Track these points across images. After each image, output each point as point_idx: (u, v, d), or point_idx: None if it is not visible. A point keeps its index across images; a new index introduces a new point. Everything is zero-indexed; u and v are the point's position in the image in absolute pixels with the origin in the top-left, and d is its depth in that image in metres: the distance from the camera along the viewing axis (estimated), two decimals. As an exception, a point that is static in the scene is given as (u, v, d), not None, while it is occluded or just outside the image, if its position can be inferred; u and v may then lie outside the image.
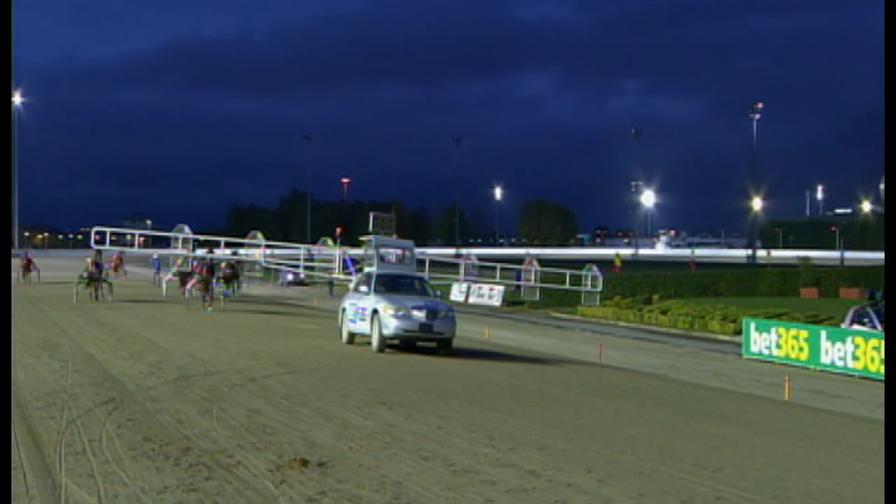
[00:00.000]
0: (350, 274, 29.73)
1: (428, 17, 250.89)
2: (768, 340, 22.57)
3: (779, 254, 73.31)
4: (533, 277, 43.76)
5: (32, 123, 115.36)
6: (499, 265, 44.45)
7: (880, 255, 23.38)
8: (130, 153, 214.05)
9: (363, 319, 19.91)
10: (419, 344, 20.11)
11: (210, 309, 29.07)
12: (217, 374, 14.52)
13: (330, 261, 33.96)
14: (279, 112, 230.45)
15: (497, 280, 43.22)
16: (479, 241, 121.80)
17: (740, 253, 78.18)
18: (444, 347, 19.72)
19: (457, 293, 46.14)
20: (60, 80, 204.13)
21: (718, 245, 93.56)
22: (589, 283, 41.32)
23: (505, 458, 8.90)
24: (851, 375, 19.74)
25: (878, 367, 19.02)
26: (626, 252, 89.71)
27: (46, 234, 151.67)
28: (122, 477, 7.76)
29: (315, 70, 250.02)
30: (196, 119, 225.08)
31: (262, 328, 24.89)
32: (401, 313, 18.96)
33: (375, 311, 19.26)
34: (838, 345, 20.27)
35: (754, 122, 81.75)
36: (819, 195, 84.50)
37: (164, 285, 38.24)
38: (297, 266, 45.01)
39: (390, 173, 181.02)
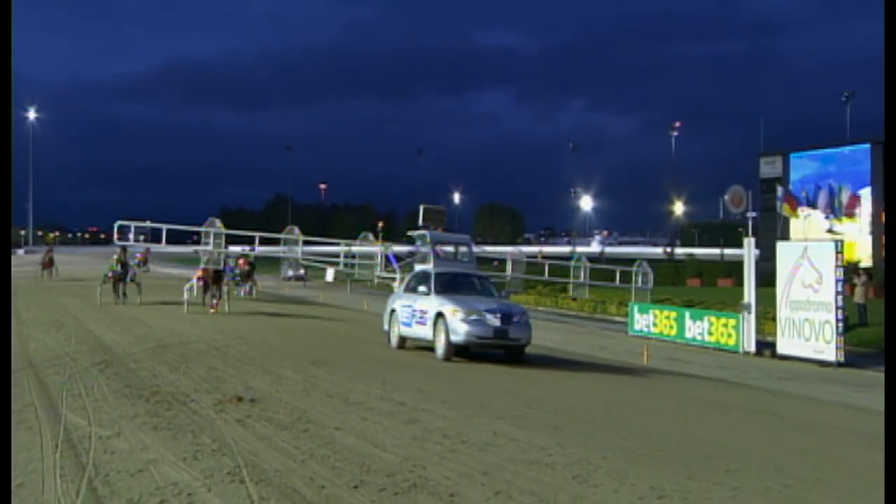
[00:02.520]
0: (394, 271, 25.30)
1: (397, 42, 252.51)
2: (647, 321, 24.48)
3: (687, 251, 75.63)
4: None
5: (44, 135, 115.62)
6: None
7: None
8: (131, 160, 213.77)
9: (421, 323, 15.95)
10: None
11: (212, 311, 23.85)
12: (188, 343, 16.15)
13: (371, 257, 28.42)
14: (264, 124, 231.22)
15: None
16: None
17: (657, 250, 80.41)
18: (515, 355, 15.80)
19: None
20: (69, 96, 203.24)
21: (644, 243, 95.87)
22: (640, 279, 33.91)
23: (387, 395, 10.71)
24: (707, 347, 21.71)
25: (726, 340, 21.15)
26: (565, 249, 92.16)
27: (57, 232, 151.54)
28: (106, 408, 9.51)
29: (296, 88, 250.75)
30: (190, 130, 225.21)
31: (295, 332, 20.10)
32: (472, 317, 15.16)
33: (440, 315, 15.36)
34: (698, 323, 22.35)
35: (673, 138, 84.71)
36: (741, 189, 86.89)
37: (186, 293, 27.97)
38: (336, 262, 36.70)
39: (363, 179, 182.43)
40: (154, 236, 30.07)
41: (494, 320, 15.25)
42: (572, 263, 36.35)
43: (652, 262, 64.25)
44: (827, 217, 28.16)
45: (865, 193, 26.67)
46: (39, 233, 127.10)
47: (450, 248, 22.09)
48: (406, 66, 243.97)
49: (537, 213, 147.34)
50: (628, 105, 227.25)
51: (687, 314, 22.98)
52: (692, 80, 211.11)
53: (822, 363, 18.41)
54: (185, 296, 24.58)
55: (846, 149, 28.29)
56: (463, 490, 6.34)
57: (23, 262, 55.72)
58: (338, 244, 37.79)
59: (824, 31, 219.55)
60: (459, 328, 15.09)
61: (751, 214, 22.42)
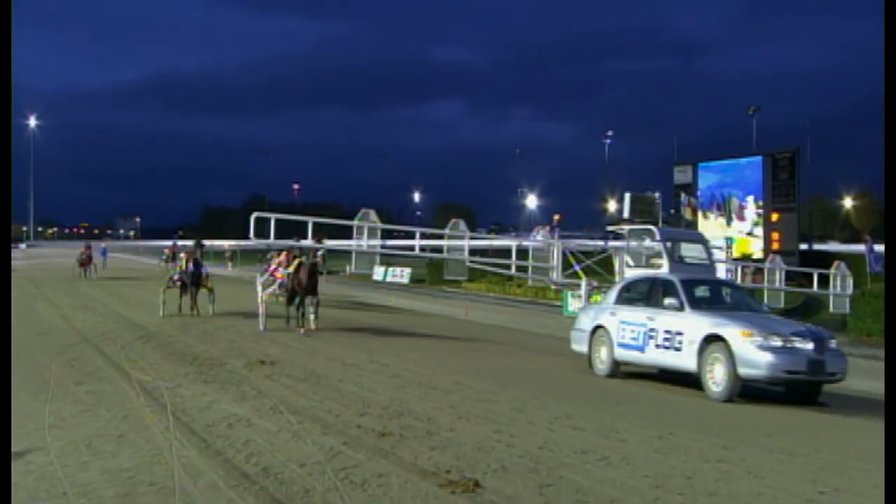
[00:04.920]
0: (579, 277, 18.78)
1: (363, 56, 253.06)
2: (580, 303, 26.56)
3: (618, 244, 78.26)
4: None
5: (41, 140, 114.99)
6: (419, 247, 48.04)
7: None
8: (120, 162, 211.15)
9: (671, 348, 10.91)
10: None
11: (302, 331, 15.85)
12: (207, 321, 17.72)
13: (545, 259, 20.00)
14: (243, 130, 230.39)
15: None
16: (403, 234, 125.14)
17: (596, 243, 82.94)
18: (810, 395, 10.61)
19: (378, 274, 49.47)
20: (62, 104, 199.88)
21: (582, 237, 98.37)
22: None
23: (375, 359, 12.59)
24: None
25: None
26: (511, 243, 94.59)
27: (55, 228, 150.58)
28: (161, 368, 11.29)
29: (271, 97, 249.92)
30: (174, 136, 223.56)
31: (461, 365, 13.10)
32: (775, 343, 9.95)
33: (715, 339, 10.27)
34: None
35: (606, 145, 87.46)
36: (657, 198, 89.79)
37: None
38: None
39: (332, 180, 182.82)
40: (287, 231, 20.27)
41: (806, 347, 10.06)
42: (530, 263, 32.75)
43: (589, 254, 67.02)
44: (729, 221, 30.39)
45: (751, 200, 28.98)
46: (39, 228, 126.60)
47: (697, 248, 17.14)
48: (371, 78, 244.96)
49: (488, 211, 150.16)
50: (568, 114, 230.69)
51: (611, 298, 24.94)
52: (623, 92, 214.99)
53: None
54: (261, 307, 16.59)
55: (743, 160, 30.56)
56: (436, 416, 8.31)
57: (38, 255, 55.95)
58: (486, 238, 28.18)
59: (737, 52, 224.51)
60: (758, 358, 9.83)
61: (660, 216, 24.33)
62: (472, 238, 22.72)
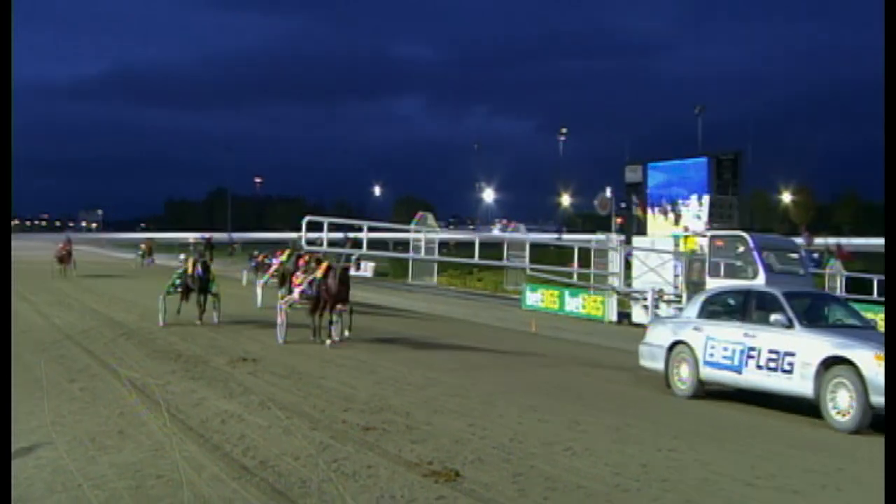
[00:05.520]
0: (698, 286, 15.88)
1: (323, 51, 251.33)
2: (537, 297, 27.22)
3: (573, 237, 79.39)
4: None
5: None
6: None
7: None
8: (82, 155, 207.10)
9: (778, 370, 9.37)
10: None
11: (329, 342, 14.01)
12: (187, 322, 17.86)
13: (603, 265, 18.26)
14: (205, 123, 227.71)
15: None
16: (378, 228, 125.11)
17: (549, 236, 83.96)
18: None
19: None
20: (22, 95, 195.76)
21: (537, 230, 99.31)
22: None
23: (351, 356, 12.97)
24: (581, 318, 24.50)
25: (596, 312, 24.06)
26: (470, 236, 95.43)
27: (16, 221, 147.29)
28: (147, 366, 11.61)
29: (233, 90, 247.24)
30: (137, 128, 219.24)
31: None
32: None
33: (836, 362, 8.80)
34: (575, 299, 25.22)
35: (560, 141, 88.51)
36: (608, 194, 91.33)
37: (259, 292, 21.32)
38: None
39: (294, 174, 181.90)
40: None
41: None
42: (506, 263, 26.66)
43: (544, 246, 68.06)
44: (677, 220, 31.25)
45: (694, 199, 30.00)
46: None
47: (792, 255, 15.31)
48: (331, 73, 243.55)
49: (446, 204, 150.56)
50: (523, 111, 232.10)
51: (567, 292, 25.76)
52: (577, 91, 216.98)
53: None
54: (280, 316, 14.45)
55: (689, 161, 31.38)
56: (414, 411, 8.82)
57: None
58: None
59: (685, 53, 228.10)
60: None
61: (613, 214, 25.16)
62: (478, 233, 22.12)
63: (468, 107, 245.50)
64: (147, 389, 9.92)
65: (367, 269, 44.92)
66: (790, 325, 9.46)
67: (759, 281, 13.88)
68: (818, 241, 43.75)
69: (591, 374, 13.04)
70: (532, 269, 19.49)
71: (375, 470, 6.59)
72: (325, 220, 15.51)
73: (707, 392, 10.58)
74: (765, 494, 6.26)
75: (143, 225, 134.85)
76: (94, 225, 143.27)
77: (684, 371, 10.63)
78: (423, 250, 24.73)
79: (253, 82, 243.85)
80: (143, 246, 48.02)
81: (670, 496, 6.04)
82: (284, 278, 20.42)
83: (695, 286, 26.31)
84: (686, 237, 29.25)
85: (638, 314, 22.40)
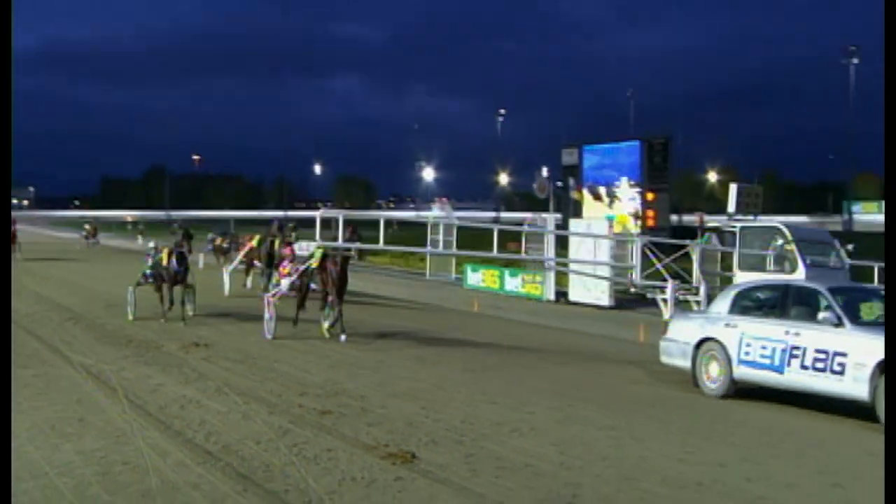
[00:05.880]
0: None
1: (265, 29, 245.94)
2: (478, 278, 27.63)
3: (512, 215, 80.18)
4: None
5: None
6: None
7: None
8: (13, 130, 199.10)
9: (827, 371, 8.66)
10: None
11: (343, 337, 12.84)
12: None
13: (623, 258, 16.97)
14: (141, 99, 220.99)
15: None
16: (304, 205, 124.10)
17: (487, 214, 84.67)
18: None
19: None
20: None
21: (476, 209, 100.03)
22: None
23: (303, 339, 13.17)
24: (521, 297, 25.04)
25: (535, 291, 24.59)
26: (411, 214, 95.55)
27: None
28: (99, 351, 11.57)
29: (171, 67, 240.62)
30: (71, 104, 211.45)
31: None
32: None
33: None
34: (515, 279, 25.72)
35: (499, 121, 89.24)
36: (545, 173, 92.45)
37: (226, 279, 19.86)
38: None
39: (233, 152, 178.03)
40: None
41: None
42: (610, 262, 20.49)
43: (662, 247, 68.25)
44: (611, 203, 31.97)
45: (624, 180, 30.77)
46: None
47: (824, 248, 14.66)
48: (271, 50, 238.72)
49: (387, 182, 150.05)
50: (463, 91, 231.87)
51: (506, 272, 26.24)
52: (517, 72, 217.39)
53: (599, 307, 22.06)
54: (268, 310, 13.15)
55: (623, 144, 32.16)
56: (368, 394, 9.07)
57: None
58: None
59: (623, 36, 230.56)
60: None
61: (551, 197, 25.55)
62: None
63: (408, 86, 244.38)
64: (102, 375, 9.93)
65: (311, 248, 44.21)
66: (840, 324, 8.71)
67: (799, 275, 13.21)
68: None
69: (524, 357, 13.17)
70: (551, 262, 18.79)
71: (335, 453, 6.83)
72: (340, 214, 12.87)
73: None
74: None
75: (77, 202, 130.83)
76: (25, 202, 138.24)
77: (714, 369, 9.89)
78: (440, 244, 22.62)
79: (190, 59, 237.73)
80: (87, 227, 46.92)
81: (610, 472, 6.43)
82: (251, 266, 20.51)
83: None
84: (619, 217, 30.12)
85: (576, 293, 23.00)
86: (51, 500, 5.74)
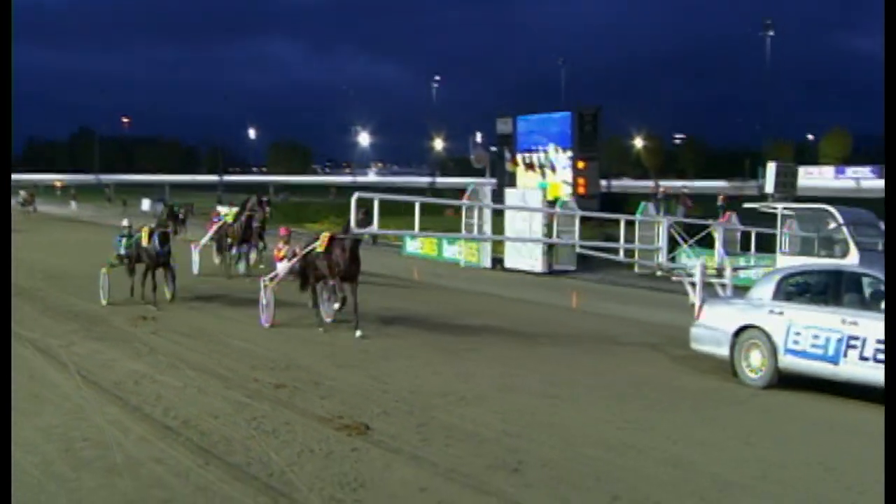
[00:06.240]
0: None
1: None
2: (416, 245, 27.86)
3: (448, 180, 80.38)
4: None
5: None
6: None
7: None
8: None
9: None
10: None
11: (359, 332, 11.20)
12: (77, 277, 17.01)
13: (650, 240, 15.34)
14: (69, 60, 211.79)
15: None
16: (238, 170, 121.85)
17: (423, 179, 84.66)
18: None
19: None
20: None
21: (411, 174, 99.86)
22: None
23: (245, 312, 13.00)
24: (459, 264, 25.32)
25: (472, 258, 24.95)
26: (347, 179, 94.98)
27: None
28: (46, 325, 11.46)
29: (100, 28, 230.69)
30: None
31: None
32: None
33: None
34: (453, 246, 26.03)
35: (434, 88, 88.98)
36: (479, 138, 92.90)
37: (196, 257, 18.31)
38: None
39: (165, 115, 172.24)
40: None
41: None
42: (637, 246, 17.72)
43: (418, 191, 68.67)
44: (543, 172, 32.59)
45: (552, 147, 31.42)
46: None
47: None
48: (204, 13, 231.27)
49: (323, 148, 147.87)
50: (398, 56, 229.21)
51: (444, 240, 26.49)
52: (453, 38, 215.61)
53: (534, 273, 22.58)
54: (265, 296, 12.03)
55: (555, 115, 32.71)
56: (319, 367, 9.30)
57: None
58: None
59: (557, 3, 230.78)
60: None
61: (487, 167, 25.86)
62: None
63: (344, 51, 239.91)
64: (51, 351, 9.89)
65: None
66: None
67: (852, 260, 12.34)
68: (663, 183, 46.14)
69: (464, 318, 13.57)
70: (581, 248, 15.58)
71: (292, 426, 7.06)
72: (376, 198, 11.02)
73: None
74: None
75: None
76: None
77: (756, 358, 9.15)
78: (475, 228, 21.22)
79: (121, 20, 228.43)
80: (23, 193, 45.02)
81: (554, 440, 6.84)
82: (223, 241, 18.45)
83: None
84: (551, 184, 30.77)
85: (511, 260, 23.47)
86: (16, 478, 5.82)
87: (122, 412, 7.56)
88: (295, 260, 12.18)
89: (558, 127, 31.78)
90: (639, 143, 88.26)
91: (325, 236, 11.74)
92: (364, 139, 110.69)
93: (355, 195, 10.63)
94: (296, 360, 9.60)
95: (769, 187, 14.67)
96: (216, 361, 9.51)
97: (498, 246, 24.71)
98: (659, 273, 12.41)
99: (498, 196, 26.56)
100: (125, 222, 15.02)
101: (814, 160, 78.67)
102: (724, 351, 9.47)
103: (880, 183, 62.36)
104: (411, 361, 9.83)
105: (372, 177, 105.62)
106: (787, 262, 13.15)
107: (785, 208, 14.40)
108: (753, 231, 14.27)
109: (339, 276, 11.38)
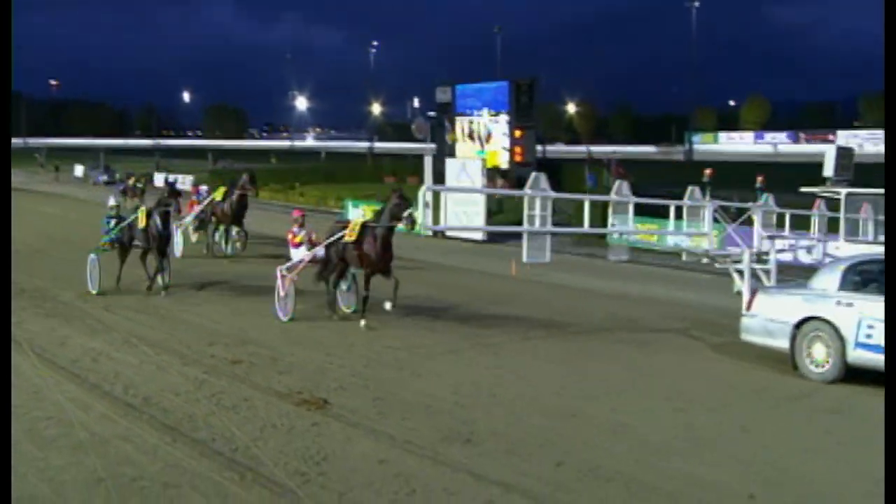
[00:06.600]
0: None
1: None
2: (358, 213, 27.85)
3: (386, 145, 79.77)
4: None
5: None
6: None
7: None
8: None
9: None
10: None
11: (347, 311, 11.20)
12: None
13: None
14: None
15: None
16: (172, 133, 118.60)
17: (362, 144, 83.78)
18: None
19: (158, 181, 46.84)
20: None
21: (351, 139, 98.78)
22: None
23: (204, 287, 13.25)
24: (401, 232, 25.43)
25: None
26: (285, 143, 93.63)
27: None
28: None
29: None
30: None
31: None
32: None
33: None
34: (394, 215, 26.12)
35: (372, 53, 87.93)
36: (416, 103, 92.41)
37: (179, 238, 16.89)
38: None
39: (96, 78, 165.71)
40: None
41: None
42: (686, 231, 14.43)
43: (356, 155, 68.16)
44: (482, 142, 32.73)
45: (486, 112, 31.75)
46: None
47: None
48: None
49: (259, 112, 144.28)
50: (336, 21, 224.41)
51: (386, 208, 26.55)
52: (392, 4, 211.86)
53: (475, 241, 22.95)
54: (283, 286, 10.87)
55: (493, 84, 32.81)
56: (275, 343, 9.42)
57: None
58: None
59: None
60: None
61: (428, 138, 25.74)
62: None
63: (280, 13, 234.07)
64: None
65: (186, 182, 42.94)
66: None
67: None
68: (595, 149, 46.76)
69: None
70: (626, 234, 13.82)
71: (252, 402, 7.22)
72: (443, 189, 10.47)
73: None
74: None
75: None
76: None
77: (819, 352, 8.58)
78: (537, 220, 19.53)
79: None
80: None
81: (497, 409, 7.18)
82: (205, 222, 17.38)
83: (497, 201, 28.26)
84: (489, 153, 31.00)
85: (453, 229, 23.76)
86: (-18, 460, 5.88)
87: (82, 390, 7.59)
88: (318, 248, 11.07)
89: (495, 96, 31.96)
90: (571, 108, 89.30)
91: (356, 224, 10.72)
92: (302, 103, 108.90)
93: (426, 188, 9.43)
94: (251, 336, 9.70)
95: (828, 171, 13.90)
96: (172, 337, 9.55)
97: (439, 214, 24.92)
98: (705, 260, 11.47)
99: (439, 164, 26.72)
100: (112, 201, 13.69)
101: (735, 126, 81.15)
102: (782, 343, 8.90)
103: (796, 147, 65.31)
104: (364, 336, 10.00)
105: (310, 141, 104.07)
106: (849, 249, 12.43)
107: (849, 193, 13.54)
108: (788, 213, 13.34)
109: (371, 267, 10.40)
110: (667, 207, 12.04)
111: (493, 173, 28.88)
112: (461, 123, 32.11)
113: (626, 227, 11.44)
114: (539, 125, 36.39)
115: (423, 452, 6.01)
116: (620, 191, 11.07)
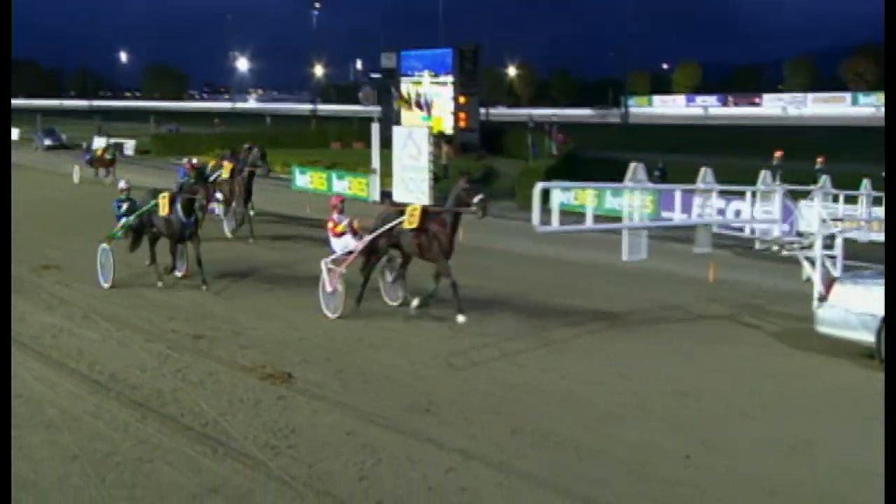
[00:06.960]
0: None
1: None
2: (306, 179, 27.55)
3: (330, 107, 78.48)
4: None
5: None
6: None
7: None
8: None
9: None
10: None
11: (462, 317, 9.09)
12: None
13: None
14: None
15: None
16: (110, 94, 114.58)
17: (305, 106, 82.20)
18: None
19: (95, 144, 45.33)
20: None
21: (294, 101, 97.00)
22: None
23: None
24: (348, 198, 25.46)
25: (360, 192, 25.15)
26: (226, 105, 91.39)
27: None
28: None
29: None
30: None
31: None
32: None
33: None
34: (342, 181, 26.00)
35: (314, 14, 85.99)
36: (359, 66, 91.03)
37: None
38: None
39: (24, 36, 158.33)
40: None
41: None
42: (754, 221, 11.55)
43: (300, 118, 66.79)
44: (429, 110, 32.73)
45: (426, 73, 31.73)
46: None
47: None
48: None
49: (200, 73, 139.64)
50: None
51: (334, 174, 26.45)
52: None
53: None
54: (330, 281, 9.72)
55: (438, 51, 32.72)
56: (236, 317, 9.48)
57: None
58: None
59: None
60: None
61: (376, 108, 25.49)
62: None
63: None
64: (-43, 306, 9.60)
65: (129, 147, 41.69)
66: None
67: None
68: (536, 112, 46.81)
69: None
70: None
71: (217, 376, 7.36)
72: (558, 186, 9.28)
73: None
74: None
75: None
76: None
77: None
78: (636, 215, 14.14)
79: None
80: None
81: (453, 382, 7.40)
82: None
83: (444, 168, 28.40)
84: (434, 119, 31.07)
85: (398, 195, 23.82)
86: (-42, 442, 5.91)
87: (46, 367, 7.62)
88: (371, 237, 9.76)
89: (440, 61, 31.93)
90: (512, 71, 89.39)
91: (415, 210, 9.53)
92: (243, 64, 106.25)
93: (540, 187, 8.07)
94: (212, 311, 9.73)
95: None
96: (131, 313, 9.54)
97: (387, 181, 24.92)
98: (776, 247, 10.31)
99: (386, 131, 26.65)
100: (122, 184, 12.69)
101: (668, 89, 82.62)
102: (867, 337, 8.13)
103: (725, 110, 66.95)
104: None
105: (252, 103, 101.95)
106: None
107: None
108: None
109: (438, 256, 9.27)
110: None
111: (438, 140, 28.93)
112: (406, 89, 32.05)
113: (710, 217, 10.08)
114: (483, 90, 36.48)
115: (386, 423, 6.27)
116: (705, 178, 9.74)
